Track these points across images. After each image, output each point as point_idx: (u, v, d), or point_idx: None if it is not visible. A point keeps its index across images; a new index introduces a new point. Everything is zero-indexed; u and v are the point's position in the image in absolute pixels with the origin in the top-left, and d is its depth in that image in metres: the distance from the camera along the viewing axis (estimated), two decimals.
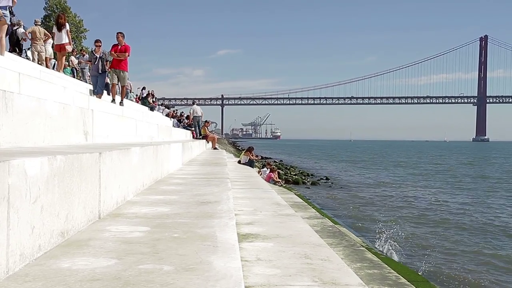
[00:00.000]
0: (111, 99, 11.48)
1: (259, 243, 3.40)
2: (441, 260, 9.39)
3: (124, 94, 12.72)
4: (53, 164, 2.08)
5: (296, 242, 3.47)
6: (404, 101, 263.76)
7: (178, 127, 20.93)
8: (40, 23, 14.88)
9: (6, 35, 9.85)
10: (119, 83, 11.83)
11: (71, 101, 6.61)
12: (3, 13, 8.95)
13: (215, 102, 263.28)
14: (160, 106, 25.74)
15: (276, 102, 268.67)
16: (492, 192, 22.41)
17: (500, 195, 21.24)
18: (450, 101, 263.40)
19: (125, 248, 2.08)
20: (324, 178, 28.20)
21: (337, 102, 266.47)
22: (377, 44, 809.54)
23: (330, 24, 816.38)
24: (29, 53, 15.18)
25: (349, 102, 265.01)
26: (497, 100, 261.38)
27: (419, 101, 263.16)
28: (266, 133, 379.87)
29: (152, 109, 21.06)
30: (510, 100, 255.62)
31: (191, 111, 22.18)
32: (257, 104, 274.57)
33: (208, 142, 20.69)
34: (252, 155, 18.82)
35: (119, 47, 11.53)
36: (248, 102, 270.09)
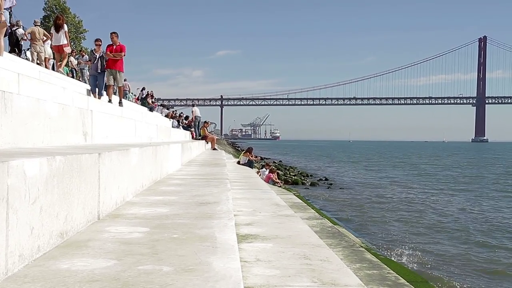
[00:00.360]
0: (108, 99, 11.41)
1: (258, 244, 3.40)
2: (441, 260, 9.39)
3: (122, 94, 12.65)
4: (52, 165, 2.08)
5: (295, 242, 3.47)
6: (403, 102, 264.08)
7: (178, 127, 20.93)
8: (39, 24, 14.88)
9: (4, 36, 9.85)
10: (115, 84, 11.74)
11: (71, 101, 6.61)
12: (2, 13, 8.94)
13: (215, 103, 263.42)
14: (160, 107, 25.74)
15: (275, 102, 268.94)
16: (487, 193, 22.42)
17: (498, 196, 21.25)
18: (449, 101, 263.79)
19: (125, 249, 2.08)
20: (323, 178, 28.19)
21: (336, 102, 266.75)
22: (377, 44, 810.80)
23: (329, 25, 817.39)
24: (28, 53, 15.18)
25: (348, 102, 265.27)
26: (496, 101, 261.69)
27: (418, 101, 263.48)
28: (265, 133, 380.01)
29: (151, 109, 21.07)
30: (509, 101, 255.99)
31: (193, 112, 22.33)
32: (257, 105, 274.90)
33: (207, 143, 20.70)
34: (252, 156, 18.81)
35: (114, 47, 11.43)
36: (247, 102, 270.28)
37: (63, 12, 38.36)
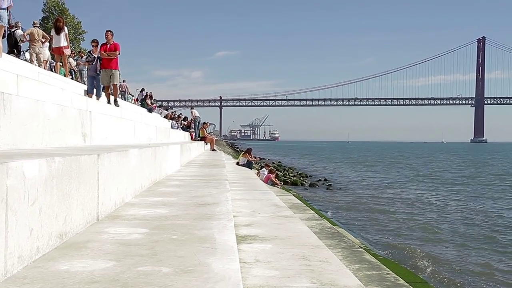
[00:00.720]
0: (107, 100, 11.31)
1: (257, 245, 3.40)
2: (440, 261, 9.39)
3: (117, 92, 12.49)
4: (51, 166, 2.08)
5: (294, 243, 3.47)
6: (402, 103, 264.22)
7: (177, 129, 20.93)
8: (38, 25, 14.88)
9: (3, 37, 9.85)
10: (111, 83, 11.54)
11: (70, 102, 6.61)
12: (0, 14, 8.94)
13: (214, 104, 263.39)
14: (159, 108, 25.76)
15: (274, 103, 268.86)
16: (485, 193, 22.44)
17: (496, 197, 21.27)
18: (448, 102, 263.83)
19: (124, 250, 2.08)
20: (323, 179, 28.20)
21: (335, 103, 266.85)
22: (376, 45, 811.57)
23: (328, 25, 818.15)
24: (27, 54, 15.18)
25: (347, 103, 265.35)
26: (495, 101, 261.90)
27: (417, 102, 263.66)
28: (264, 134, 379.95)
29: (150, 110, 21.08)
30: (508, 101, 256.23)
31: (192, 113, 22.41)
32: (256, 106, 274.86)
33: (206, 144, 20.70)
34: (251, 157, 18.82)
35: (108, 46, 11.27)
36: (246, 103, 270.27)
37: (62, 13, 38.37)
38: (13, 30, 14.89)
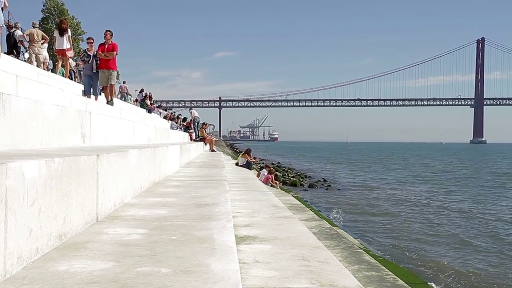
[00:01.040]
0: (106, 101, 11.24)
1: (257, 245, 3.40)
2: (439, 261, 9.40)
3: (113, 92, 12.41)
4: (50, 167, 2.08)
5: (294, 244, 3.47)
6: (401, 103, 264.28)
7: (176, 129, 20.93)
8: (38, 26, 14.88)
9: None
10: (108, 83, 11.43)
11: (69, 103, 6.61)
12: None
13: (213, 104, 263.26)
14: (158, 109, 25.76)
15: (273, 104, 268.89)
16: (485, 194, 22.45)
17: (497, 197, 21.28)
18: (447, 103, 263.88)
19: (123, 250, 2.08)
20: (322, 180, 28.21)
21: (334, 104, 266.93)
22: (375, 46, 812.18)
23: (328, 26, 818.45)
24: (26, 55, 15.18)
25: (346, 104, 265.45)
26: (494, 102, 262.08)
27: (416, 103, 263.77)
28: (263, 135, 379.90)
29: (150, 111, 21.08)
30: (507, 102, 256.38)
31: (191, 113, 22.38)
32: (255, 106, 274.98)
33: (206, 144, 20.70)
34: (250, 157, 18.81)
35: (106, 46, 11.18)
36: (245, 104, 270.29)
37: (61, 13, 38.35)
38: (12, 30, 14.91)
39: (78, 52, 23.31)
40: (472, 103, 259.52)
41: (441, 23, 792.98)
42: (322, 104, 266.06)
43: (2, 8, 9.38)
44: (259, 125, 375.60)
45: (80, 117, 5.12)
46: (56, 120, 4.30)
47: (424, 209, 16.89)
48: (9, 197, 1.67)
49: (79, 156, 2.50)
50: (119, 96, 21.24)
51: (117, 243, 2.22)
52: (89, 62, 11.25)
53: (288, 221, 4.44)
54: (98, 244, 2.19)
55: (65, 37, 12.09)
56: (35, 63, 13.01)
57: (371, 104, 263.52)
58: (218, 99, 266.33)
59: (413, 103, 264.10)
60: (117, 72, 11.85)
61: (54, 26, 36.78)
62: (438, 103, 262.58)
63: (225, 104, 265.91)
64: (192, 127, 22.22)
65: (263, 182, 14.28)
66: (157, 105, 28.20)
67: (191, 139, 20.72)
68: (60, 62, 12.88)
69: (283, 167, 37.66)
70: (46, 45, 14.04)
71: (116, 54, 11.37)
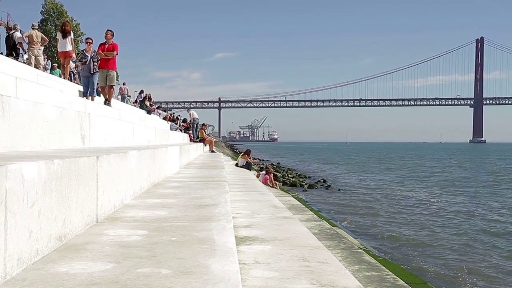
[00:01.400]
0: (104, 100, 11.12)
1: (257, 246, 3.40)
2: (440, 261, 9.40)
3: (112, 94, 12.32)
4: (50, 168, 2.08)
5: (294, 244, 3.47)
6: (401, 103, 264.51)
7: (176, 130, 20.92)
8: (37, 27, 14.89)
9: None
10: (107, 83, 11.36)
11: (68, 104, 6.61)
12: None
13: (213, 105, 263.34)
14: (158, 110, 25.73)
15: (273, 104, 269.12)
16: (485, 194, 22.46)
17: (497, 197, 21.29)
18: (447, 103, 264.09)
19: (123, 252, 2.08)
20: (322, 180, 28.19)
21: (334, 104, 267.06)
22: (374, 46, 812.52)
23: (327, 26, 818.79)
24: (25, 56, 15.19)
25: (346, 104, 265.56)
26: (493, 102, 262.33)
27: (416, 103, 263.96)
28: (263, 135, 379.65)
29: (149, 112, 21.05)
30: (507, 102, 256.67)
31: (190, 114, 22.30)
32: (254, 107, 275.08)
33: (205, 145, 20.69)
34: (250, 158, 18.80)
35: (107, 45, 11.10)
36: (245, 104, 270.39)
37: (60, 15, 38.34)
38: (11, 32, 14.92)
39: (77, 54, 23.29)
40: (472, 102, 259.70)
41: (440, 23, 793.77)
42: (322, 104, 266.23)
43: None
44: (259, 125, 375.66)
45: (80, 118, 5.12)
46: (55, 122, 4.30)
47: (424, 209, 16.89)
48: (9, 198, 1.67)
49: (79, 157, 2.50)
50: (119, 97, 21.23)
51: (117, 244, 2.22)
52: (87, 63, 11.14)
53: (288, 222, 4.44)
54: (98, 245, 2.19)
55: (68, 40, 12.10)
56: (34, 63, 13.01)
57: (370, 104, 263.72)
58: (218, 99, 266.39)
59: (413, 103, 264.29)
60: (117, 73, 11.80)
61: (53, 27, 36.95)
62: (437, 103, 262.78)
63: (224, 105, 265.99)
64: (191, 128, 22.18)
65: (262, 182, 14.27)
66: (156, 106, 28.18)
67: (191, 140, 20.71)
68: (64, 66, 12.88)
69: (283, 167, 37.65)
70: (42, 47, 14.04)
71: (117, 54, 11.29)
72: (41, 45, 13.65)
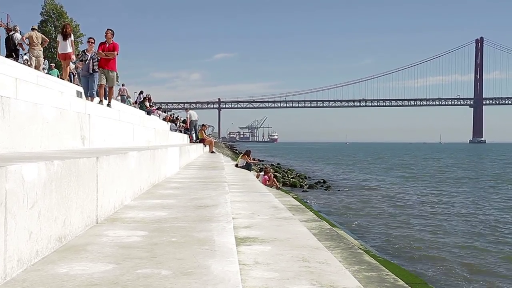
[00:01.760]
0: (99, 100, 10.98)
1: (257, 247, 3.40)
2: (440, 261, 9.39)
3: (112, 95, 12.25)
4: (50, 169, 2.08)
5: (294, 245, 3.47)
6: (401, 103, 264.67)
7: (176, 131, 20.92)
8: (37, 29, 14.90)
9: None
10: (107, 84, 11.29)
11: (68, 105, 6.61)
12: None
13: (212, 106, 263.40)
14: (157, 110, 25.73)
15: (273, 105, 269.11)
16: (485, 194, 22.46)
17: (497, 197, 21.29)
18: (446, 103, 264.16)
19: (123, 252, 2.08)
20: (321, 181, 28.18)
21: (333, 104, 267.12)
22: (374, 46, 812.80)
23: (327, 26, 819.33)
24: (25, 57, 15.21)
25: (345, 104, 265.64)
26: (493, 102, 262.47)
27: (416, 103, 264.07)
28: (263, 136, 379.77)
29: (149, 113, 21.07)
30: (507, 102, 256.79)
31: (188, 116, 22.19)
32: (254, 108, 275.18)
33: (205, 146, 20.68)
34: (250, 159, 18.78)
35: (107, 45, 11.02)
36: (245, 105, 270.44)
37: (60, 16, 38.37)
38: (11, 33, 14.93)
39: (77, 55, 23.28)
40: (472, 103, 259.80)
41: (440, 23, 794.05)
42: (322, 104, 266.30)
43: None
44: (259, 126, 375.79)
45: (80, 119, 5.12)
46: (55, 123, 4.30)
47: (424, 209, 16.89)
48: (9, 200, 1.67)
49: (79, 158, 2.50)
50: (118, 98, 21.22)
51: (117, 245, 2.22)
52: (86, 62, 11.07)
53: (288, 222, 4.44)
54: (98, 246, 2.19)
55: (68, 42, 12.12)
56: (34, 65, 13.02)
57: (370, 104, 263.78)
58: (217, 100, 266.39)
59: (413, 103, 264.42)
60: (116, 74, 11.77)
61: (53, 28, 36.97)
62: (437, 103, 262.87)
63: (224, 106, 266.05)
64: (189, 129, 22.13)
65: (262, 183, 14.27)
66: (156, 107, 28.19)
67: (190, 140, 20.71)
68: (64, 68, 12.91)
69: (283, 168, 37.65)
70: (43, 48, 14.06)
71: (117, 54, 11.22)
72: (41, 46, 13.66)
